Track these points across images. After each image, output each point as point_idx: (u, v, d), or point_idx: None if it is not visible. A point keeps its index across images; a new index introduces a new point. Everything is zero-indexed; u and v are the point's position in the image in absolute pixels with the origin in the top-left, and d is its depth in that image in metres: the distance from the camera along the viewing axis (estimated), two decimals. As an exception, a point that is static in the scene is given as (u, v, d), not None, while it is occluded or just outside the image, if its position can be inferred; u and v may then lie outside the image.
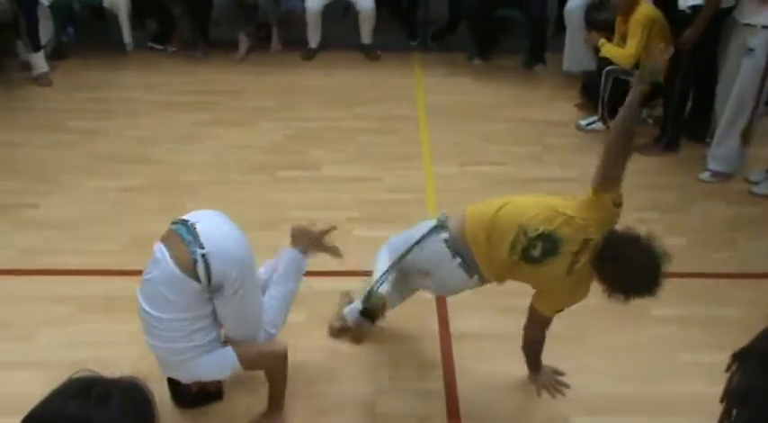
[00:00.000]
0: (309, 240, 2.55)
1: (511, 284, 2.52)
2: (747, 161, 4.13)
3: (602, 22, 4.63)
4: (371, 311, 2.54)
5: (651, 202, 3.81)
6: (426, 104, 4.91)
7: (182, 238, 2.10)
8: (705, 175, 4.11)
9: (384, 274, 2.52)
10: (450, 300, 3.06)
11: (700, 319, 3.03)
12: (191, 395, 2.48)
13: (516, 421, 2.59)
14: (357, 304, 2.66)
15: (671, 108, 4.26)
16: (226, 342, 2.30)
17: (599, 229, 2.26)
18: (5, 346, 2.83)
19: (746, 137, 4.00)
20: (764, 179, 4.01)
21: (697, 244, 3.54)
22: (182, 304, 2.11)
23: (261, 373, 2.45)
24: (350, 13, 5.74)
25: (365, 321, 2.58)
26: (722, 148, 4.06)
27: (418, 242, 2.48)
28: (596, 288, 2.32)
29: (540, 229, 2.29)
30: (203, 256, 2.06)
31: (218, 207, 2.31)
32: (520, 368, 2.66)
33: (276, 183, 3.99)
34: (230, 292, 2.13)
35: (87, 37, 5.72)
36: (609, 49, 4.43)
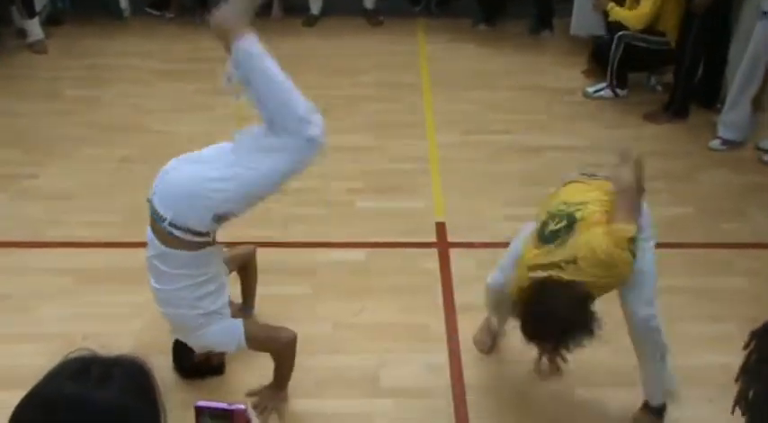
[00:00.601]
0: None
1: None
2: (758, 128, 4.04)
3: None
4: None
5: (658, 171, 3.71)
6: (430, 71, 4.81)
7: (151, 216, 2.20)
8: (715, 143, 4.03)
9: None
10: (455, 272, 3.03)
11: (707, 290, 2.97)
12: (191, 364, 2.47)
13: (520, 394, 2.58)
14: None
15: (681, 74, 4.15)
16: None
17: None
18: (5, 317, 2.81)
19: (758, 103, 3.92)
20: (775, 147, 3.94)
21: (705, 213, 3.48)
22: (182, 273, 2.20)
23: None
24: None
25: None
26: (733, 114, 3.97)
27: None
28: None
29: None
30: (170, 224, 2.12)
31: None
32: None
33: (277, 152, 3.92)
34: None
35: (83, 3, 5.59)
36: (618, 12, 4.31)
